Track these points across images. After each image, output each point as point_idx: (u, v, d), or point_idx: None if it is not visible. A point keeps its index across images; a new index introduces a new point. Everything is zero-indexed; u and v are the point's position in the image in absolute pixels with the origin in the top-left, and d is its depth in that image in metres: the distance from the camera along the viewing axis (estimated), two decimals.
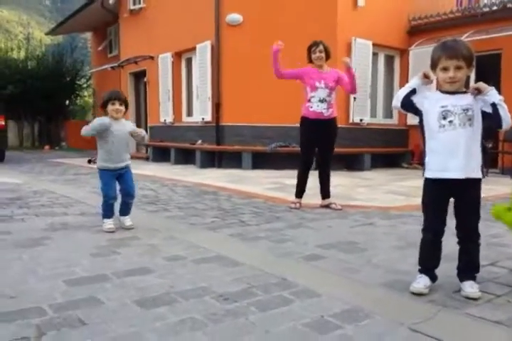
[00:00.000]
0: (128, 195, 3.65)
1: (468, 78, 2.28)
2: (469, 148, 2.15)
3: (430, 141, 2.24)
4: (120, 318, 1.84)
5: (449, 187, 2.19)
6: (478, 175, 2.18)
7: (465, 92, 2.19)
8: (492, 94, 2.10)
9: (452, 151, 2.15)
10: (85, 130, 3.50)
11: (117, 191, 3.62)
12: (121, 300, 2.03)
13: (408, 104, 2.29)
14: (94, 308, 1.93)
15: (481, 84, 2.11)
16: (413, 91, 2.27)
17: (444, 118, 2.16)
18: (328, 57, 4.62)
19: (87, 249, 2.92)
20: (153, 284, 2.25)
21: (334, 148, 4.80)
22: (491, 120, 2.13)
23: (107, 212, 3.57)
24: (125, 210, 3.67)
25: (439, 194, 2.23)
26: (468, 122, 2.14)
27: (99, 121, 3.47)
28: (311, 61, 4.64)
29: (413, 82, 2.29)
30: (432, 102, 2.22)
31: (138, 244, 3.07)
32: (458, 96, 2.17)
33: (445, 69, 2.15)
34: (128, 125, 3.68)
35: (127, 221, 3.64)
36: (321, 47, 4.56)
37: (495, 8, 9.08)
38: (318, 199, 4.73)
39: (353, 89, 4.66)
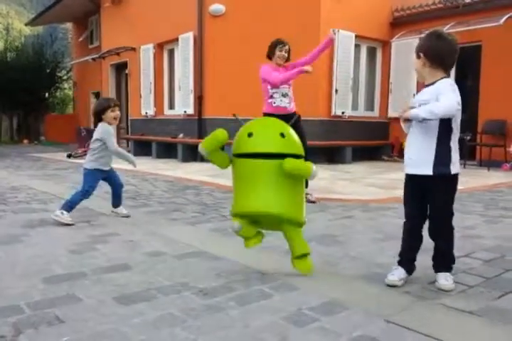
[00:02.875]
0: (121, 186, 3.88)
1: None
2: (421, 144, 2.18)
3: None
4: (98, 315, 1.84)
5: (417, 181, 2.24)
6: (428, 171, 2.16)
7: (432, 84, 2.19)
8: (414, 116, 2.12)
9: (408, 147, 2.26)
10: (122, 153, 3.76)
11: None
12: (99, 297, 2.03)
13: None
14: (72, 306, 1.93)
15: (402, 114, 2.17)
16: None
17: None
18: (288, 59, 4.63)
19: (66, 245, 2.90)
20: (132, 280, 2.25)
21: (306, 140, 4.80)
22: None
23: (73, 206, 3.59)
24: (120, 200, 3.89)
25: (411, 188, 2.29)
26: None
27: (110, 130, 3.68)
28: (270, 58, 4.63)
29: (404, 126, 2.30)
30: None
31: (117, 240, 3.06)
32: (423, 91, 2.24)
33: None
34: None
35: (124, 209, 3.88)
36: (287, 47, 4.59)
37: None
38: None
39: (316, 57, 4.63)
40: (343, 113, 9.63)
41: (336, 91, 9.36)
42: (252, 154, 2.21)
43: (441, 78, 2.18)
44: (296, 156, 2.25)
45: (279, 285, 2.21)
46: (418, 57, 2.21)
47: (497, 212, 4.17)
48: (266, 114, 4.64)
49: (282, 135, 2.22)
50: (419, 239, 2.29)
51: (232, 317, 1.84)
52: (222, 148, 2.34)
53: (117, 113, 3.72)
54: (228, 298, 2.04)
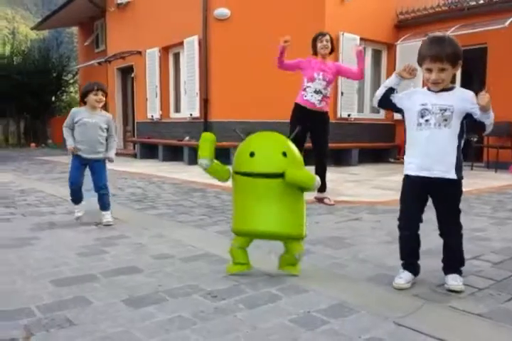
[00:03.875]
0: (96, 186, 3.68)
1: (454, 74, 2.28)
2: (443, 149, 2.16)
3: (409, 138, 2.27)
4: (108, 318, 1.85)
5: (424, 184, 2.21)
6: (452, 175, 2.17)
7: (450, 89, 2.19)
8: (490, 116, 2.11)
9: (427, 151, 2.17)
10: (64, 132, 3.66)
11: (82, 180, 3.73)
12: (109, 299, 2.04)
13: (387, 103, 2.32)
14: (82, 308, 1.94)
15: (487, 104, 2.05)
16: (391, 90, 2.29)
17: (422, 116, 2.18)
18: (332, 49, 4.66)
19: (75, 248, 2.92)
20: (141, 283, 2.26)
21: (328, 141, 4.85)
22: (476, 124, 2.15)
23: (73, 198, 3.71)
24: (102, 204, 3.70)
25: (414, 191, 2.25)
26: (443, 123, 2.14)
27: (71, 112, 3.63)
28: (315, 52, 4.68)
29: (389, 80, 2.31)
30: (414, 99, 2.24)
31: (126, 243, 3.07)
32: (440, 95, 2.18)
33: (429, 70, 2.16)
34: (104, 118, 3.70)
35: (104, 217, 3.65)
36: (327, 36, 4.66)
37: (481, 2, 9.15)
38: (311, 194, 4.75)
39: (360, 75, 4.69)
40: (348, 115, 9.63)
41: (342, 93, 9.37)
42: (253, 174, 2.21)
43: (454, 85, 2.20)
44: None
45: (287, 287, 2.21)
46: (454, 65, 2.13)
47: (505, 213, 4.15)
48: (296, 104, 4.71)
49: (284, 154, 2.22)
50: (419, 241, 2.30)
51: (241, 319, 1.84)
52: (216, 158, 2.36)
53: (100, 96, 3.58)
54: (237, 300, 2.04)
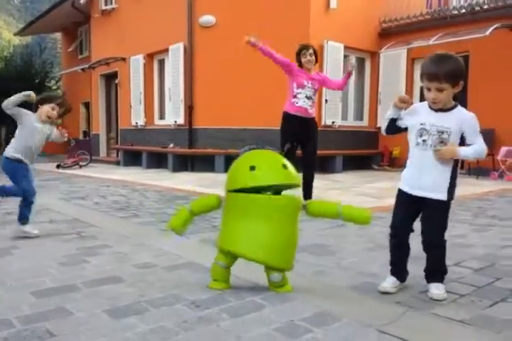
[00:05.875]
0: (31, 192, 3.39)
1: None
2: (437, 171, 2.18)
3: (410, 154, 2.28)
4: (90, 329, 1.82)
5: (415, 201, 2.24)
6: (443, 197, 2.19)
7: (451, 109, 2.16)
8: (462, 157, 2.15)
9: (421, 170, 2.20)
10: (8, 100, 3.23)
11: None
12: (90, 310, 2.01)
13: (396, 130, 2.32)
14: (63, 319, 1.91)
15: (449, 154, 2.12)
16: (393, 120, 2.29)
17: (420, 135, 2.19)
18: (316, 60, 4.73)
19: (56, 258, 2.87)
20: (123, 293, 2.23)
21: (317, 149, 4.90)
22: None
23: (29, 213, 3.33)
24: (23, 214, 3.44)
25: (406, 203, 2.27)
26: (439, 145, 2.14)
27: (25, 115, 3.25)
28: (300, 65, 4.72)
29: (389, 113, 2.30)
30: (415, 117, 2.22)
31: (108, 252, 3.04)
32: (440, 115, 2.16)
33: (428, 88, 2.14)
34: (49, 130, 3.45)
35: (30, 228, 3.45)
36: (311, 50, 4.71)
37: (463, 11, 9.34)
38: None
39: (343, 87, 4.90)
40: (333, 123, 9.71)
41: (326, 101, 9.45)
42: (253, 188, 2.17)
43: (456, 104, 2.18)
44: (296, 185, 2.30)
45: (270, 296, 2.20)
46: (455, 85, 2.09)
47: (486, 220, 4.21)
48: (286, 113, 4.72)
49: (284, 166, 2.22)
50: (408, 250, 2.32)
51: (225, 329, 1.83)
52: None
53: (54, 113, 3.34)
54: (220, 309, 2.03)
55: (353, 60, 4.82)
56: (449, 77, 2.07)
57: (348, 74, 4.78)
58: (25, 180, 3.29)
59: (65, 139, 3.57)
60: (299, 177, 2.33)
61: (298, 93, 4.66)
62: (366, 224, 2.30)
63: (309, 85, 4.67)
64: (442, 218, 2.24)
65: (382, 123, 2.38)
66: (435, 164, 2.17)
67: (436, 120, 2.16)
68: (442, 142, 2.14)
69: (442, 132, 2.14)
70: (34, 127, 3.33)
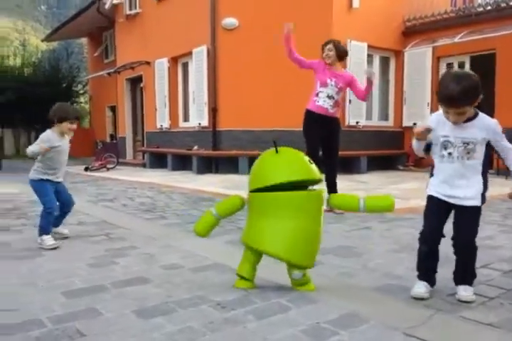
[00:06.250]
0: (70, 205, 3.63)
1: None
2: (468, 181, 2.17)
3: (435, 164, 2.26)
4: (119, 329, 1.86)
5: (447, 206, 2.22)
6: (476, 202, 2.18)
7: (473, 118, 2.12)
8: None
9: (451, 183, 2.18)
10: (32, 151, 3.31)
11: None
12: (119, 310, 2.05)
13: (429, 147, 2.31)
14: (92, 319, 1.96)
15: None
16: (426, 146, 2.28)
17: (445, 148, 2.17)
18: (340, 57, 4.68)
19: (86, 259, 2.95)
20: (151, 294, 2.27)
21: (339, 148, 4.86)
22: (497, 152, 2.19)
23: (49, 227, 3.41)
24: (61, 221, 3.66)
25: (437, 210, 2.24)
26: (466, 156, 2.13)
27: (46, 144, 3.34)
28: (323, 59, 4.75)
29: (417, 146, 2.28)
30: (438, 130, 2.19)
31: (135, 253, 3.09)
32: (464, 126, 2.13)
33: (447, 112, 2.11)
34: (67, 140, 3.56)
35: (64, 228, 3.67)
36: (329, 45, 4.68)
37: (489, 8, 9.14)
38: None
39: (365, 97, 4.76)
40: (357, 123, 9.63)
41: (350, 101, 9.37)
42: (281, 185, 2.18)
43: (476, 112, 2.14)
44: (320, 181, 2.35)
45: (296, 297, 2.21)
46: (473, 103, 2.05)
47: None
48: (307, 111, 4.72)
49: (310, 162, 2.27)
50: (438, 256, 2.29)
51: (251, 330, 1.84)
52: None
53: (75, 126, 3.44)
54: (246, 311, 2.04)
55: (370, 70, 4.68)
56: (467, 100, 2.02)
57: (370, 82, 4.63)
58: (48, 196, 3.44)
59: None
60: (320, 174, 2.35)
61: (320, 92, 4.64)
62: (390, 211, 2.32)
63: (332, 83, 4.61)
64: (475, 222, 2.22)
65: (415, 150, 2.33)
66: (464, 175, 2.16)
67: (460, 131, 2.13)
68: (469, 153, 2.13)
69: (468, 143, 2.12)
70: (59, 150, 3.46)
